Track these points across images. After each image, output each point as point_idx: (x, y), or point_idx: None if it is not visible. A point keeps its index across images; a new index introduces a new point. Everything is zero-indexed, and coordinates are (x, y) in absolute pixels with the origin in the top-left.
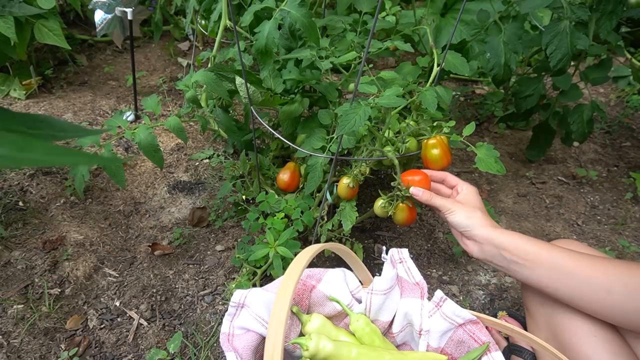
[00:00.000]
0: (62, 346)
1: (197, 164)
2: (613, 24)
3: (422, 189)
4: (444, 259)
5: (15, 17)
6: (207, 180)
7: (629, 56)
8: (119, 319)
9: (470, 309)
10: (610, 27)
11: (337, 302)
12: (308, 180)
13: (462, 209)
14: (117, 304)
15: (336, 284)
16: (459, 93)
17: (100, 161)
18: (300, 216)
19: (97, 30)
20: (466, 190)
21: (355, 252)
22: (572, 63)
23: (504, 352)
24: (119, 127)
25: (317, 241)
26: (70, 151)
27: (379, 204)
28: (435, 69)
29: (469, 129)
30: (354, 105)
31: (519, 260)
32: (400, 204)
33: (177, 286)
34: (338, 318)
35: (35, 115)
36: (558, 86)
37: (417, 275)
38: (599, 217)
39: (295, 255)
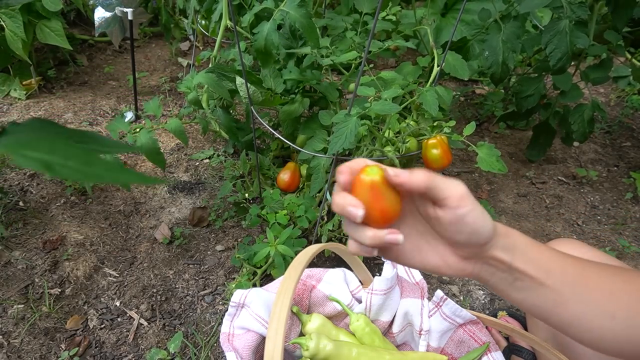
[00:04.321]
0: (63, 346)
1: (197, 164)
2: (629, 14)
3: None
4: None
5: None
6: (207, 180)
7: (629, 56)
8: (119, 319)
9: (470, 309)
10: (626, 17)
11: (337, 302)
12: (312, 182)
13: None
14: (117, 304)
15: (336, 284)
16: (459, 93)
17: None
18: (304, 214)
19: (95, 27)
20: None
21: None
22: (573, 63)
23: (504, 352)
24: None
25: (318, 241)
26: (126, 170)
27: None
28: (436, 69)
29: (469, 129)
30: (344, 118)
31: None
32: None
33: (177, 286)
34: (338, 318)
35: (82, 131)
36: (558, 86)
37: (417, 275)
38: (599, 217)
39: (296, 254)
